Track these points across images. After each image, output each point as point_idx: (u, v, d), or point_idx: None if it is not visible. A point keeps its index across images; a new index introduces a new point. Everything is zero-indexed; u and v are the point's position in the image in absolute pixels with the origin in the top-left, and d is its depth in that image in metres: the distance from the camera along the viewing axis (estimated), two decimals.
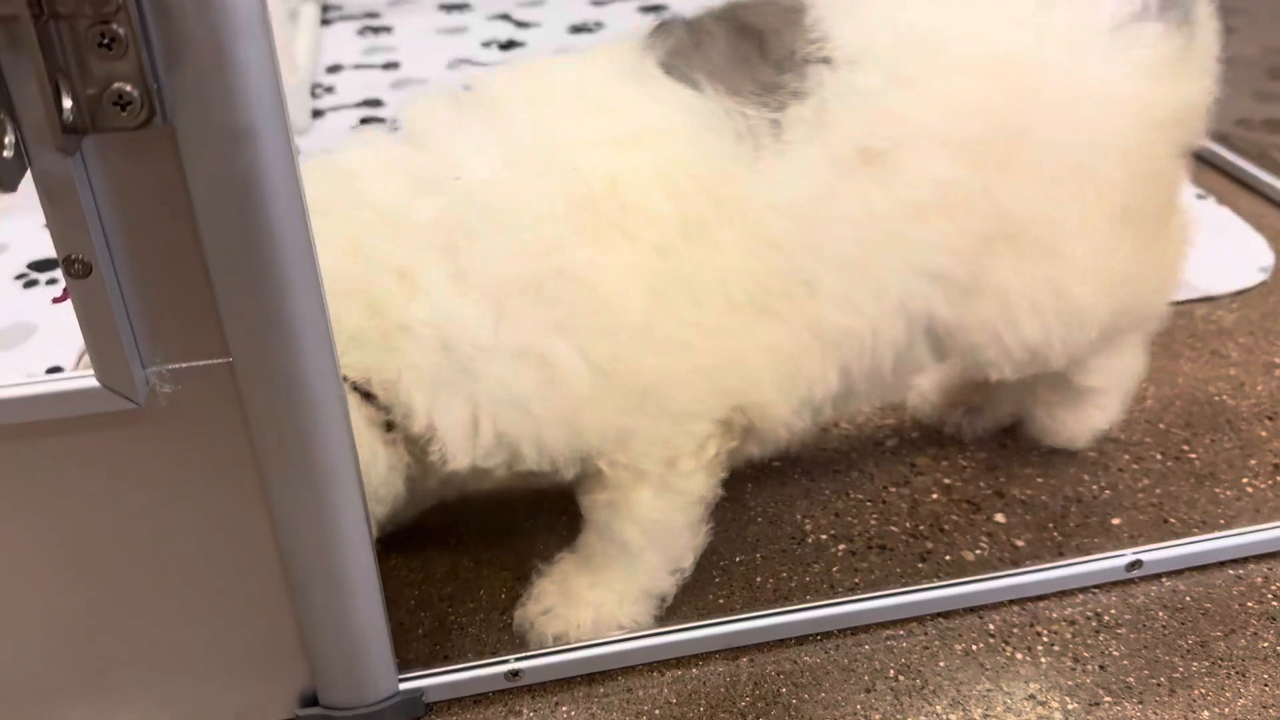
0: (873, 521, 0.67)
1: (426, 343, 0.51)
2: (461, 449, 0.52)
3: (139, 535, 0.48)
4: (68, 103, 0.37)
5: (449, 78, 1.39)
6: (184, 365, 0.44)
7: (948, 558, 0.64)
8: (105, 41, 0.36)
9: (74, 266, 0.40)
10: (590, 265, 0.51)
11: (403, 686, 0.55)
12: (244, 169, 0.40)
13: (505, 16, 1.58)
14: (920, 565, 0.64)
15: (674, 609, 0.61)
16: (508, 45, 1.48)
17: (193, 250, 0.42)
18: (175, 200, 0.40)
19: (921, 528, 0.67)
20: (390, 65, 1.43)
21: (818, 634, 0.59)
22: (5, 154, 0.36)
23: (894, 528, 0.67)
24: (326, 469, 0.47)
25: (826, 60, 0.52)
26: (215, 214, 0.41)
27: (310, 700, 0.55)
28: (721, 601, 0.62)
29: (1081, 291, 0.57)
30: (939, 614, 0.61)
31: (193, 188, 0.40)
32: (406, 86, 1.36)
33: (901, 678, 0.57)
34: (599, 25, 1.53)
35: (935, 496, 0.69)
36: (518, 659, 0.57)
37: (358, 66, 1.43)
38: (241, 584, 0.51)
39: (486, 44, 1.49)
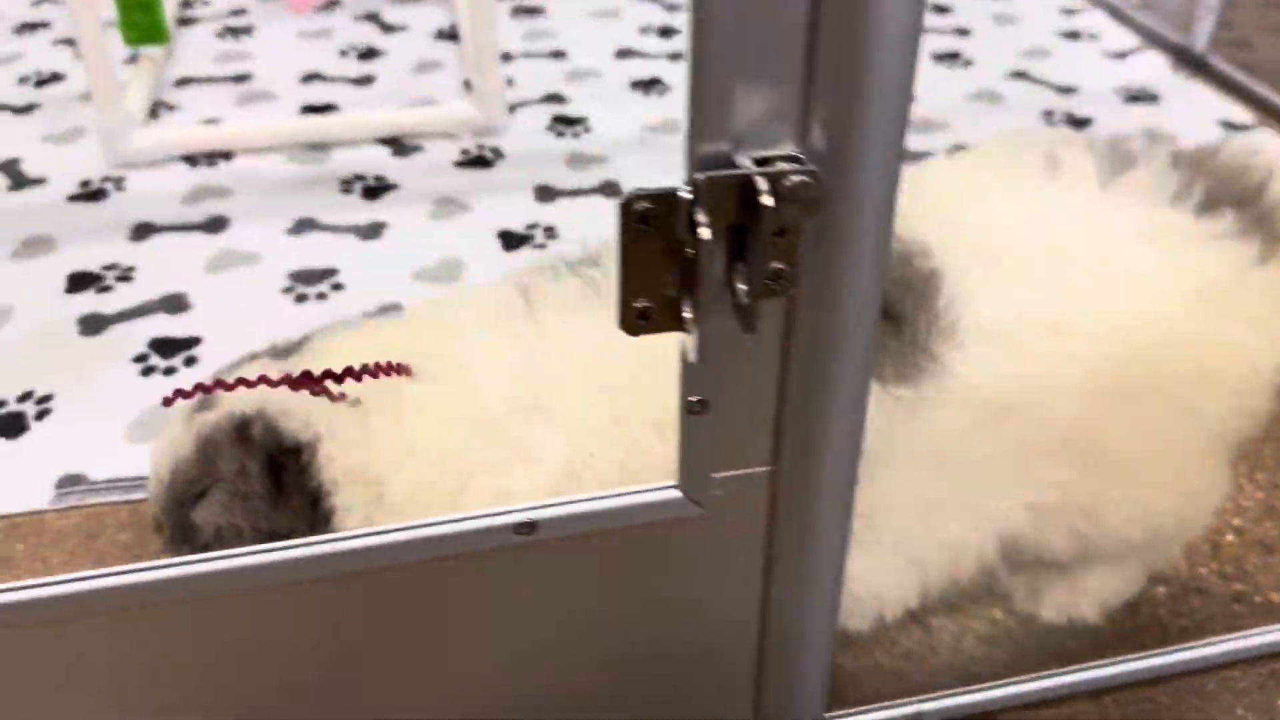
0: (1184, 565, 0.73)
1: None
2: None
3: (654, 609, 0.54)
4: (742, 286, 0.41)
5: (617, 69, 1.41)
6: (738, 473, 0.49)
7: (1257, 599, 0.71)
8: (778, 233, 0.40)
9: (694, 405, 0.45)
10: None
11: None
12: (839, 325, 0.44)
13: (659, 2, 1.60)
14: (1235, 606, 0.70)
15: (1042, 661, 0.67)
16: (665, 32, 1.50)
17: (772, 384, 0.46)
18: (772, 347, 0.45)
19: (1227, 569, 0.73)
20: (557, 54, 1.45)
21: (1168, 675, 0.66)
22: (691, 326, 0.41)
23: (1203, 569, 0.73)
24: (824, 551, 0.52)
25: (960, 346, 0.56)
26: (804, 360, 0.45)
27: None
28: (1072, 645, 0.68)
29: (1164, 506, 0.61)
30: (1271, 655, 0.67)
31: (795, 341, 0.44)
32: (582, 79, 1.38)
33: (1250, 715, 0.64)
34: None
35: (1230, 538, 0.75)
36: (921, 700, 0.63)
37: (526, 55, 1.45)
38: (718, 644, 0.56)
39: (644, 30, 1.51)
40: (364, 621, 0.51)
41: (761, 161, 0.39)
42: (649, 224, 0.39)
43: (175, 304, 0.98)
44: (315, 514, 0.58)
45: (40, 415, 0.86)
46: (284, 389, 0.58)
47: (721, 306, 0.41)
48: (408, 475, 0.57)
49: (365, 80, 1.37)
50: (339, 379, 0.58)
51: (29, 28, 1.53)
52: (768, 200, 0.38)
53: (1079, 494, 0.58)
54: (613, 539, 0.49)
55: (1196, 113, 1.30)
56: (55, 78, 1.38)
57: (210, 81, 1.37)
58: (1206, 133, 1.25)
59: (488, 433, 0.57)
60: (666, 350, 0.45)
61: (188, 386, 0.59)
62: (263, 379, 0.58)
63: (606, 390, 0.57)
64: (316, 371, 0.58)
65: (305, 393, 0.58)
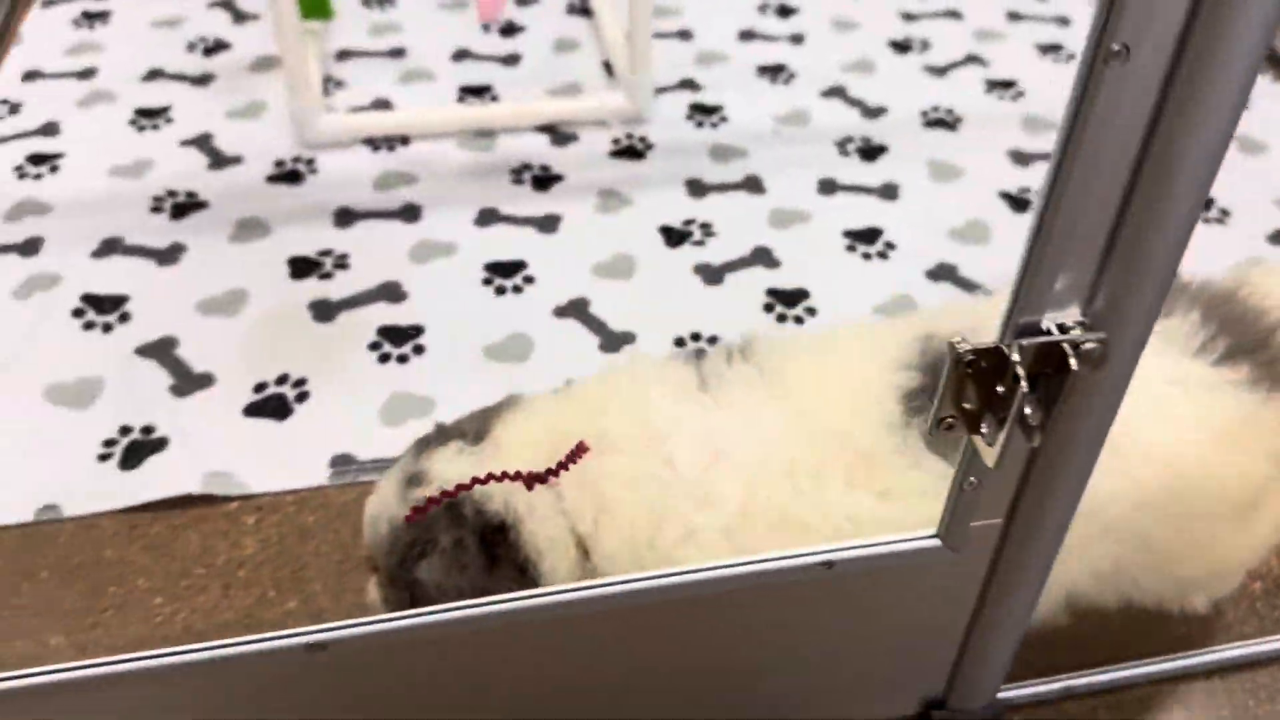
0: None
1: None
2: None
3: (887, 616, 0.69)
4: (1030, 410, 0.54)
5: (743, 52, 1.51)
6: (982, 524, 0.63)
7: None
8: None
9: (970, 484, 0.59)
10: None
11: (999, 695, 0.77)
12: (1079, 434, 0.57)
13: None
14: None
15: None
16: (783, 11, 1.59)
17: (1022, 465, 0.60)
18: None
19: None
20: (684, 34, 1.54)
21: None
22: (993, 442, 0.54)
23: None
24: (1033, 575, 0.67)
25: None
26: (1051, 453, 0.59)
27: (935, 704, 0.77)
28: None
29: (1187, 573, 0.75)
30: None
31: (1047, 441, 0.58)
32: (711, 63, 1.48)
33: None
34: None
35: None
36: (1069, 677, 0.79)
37: (656, 35, 1.54)
38: (931, 640, 0.71)
39: (763, 8, 1.60)
40: (687, 637, 0.66)
41: (1061, 327, 0.52)
42: (970, 366, 0.53)
43: (393, 293, 1.11)
44: (525, 579, 0.71)
45: (300, 398, 1.00)
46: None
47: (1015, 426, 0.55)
48: (605, 534, 0.70)
49: (512, 60, 1.47)
50: (529, 484, 0.71)
51: None
52: (1074, 364, 0.51)
53: (1129, 566, 0.73)
54: (880, 573, 0.64)
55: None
56: (221, 45, 1.48)
57: (368, 56, 1.47)
58: None
59: (673, 486, 0.69)
60: (815, 423, 0.65)
61: (425, 495, 0.72)
62: (475, 480, 0.71)
63: (773, 449, 0.70)
64: (507, 462, 0.72)
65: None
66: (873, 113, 1.39)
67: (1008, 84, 1.45)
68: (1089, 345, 0.51)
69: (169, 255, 1.14)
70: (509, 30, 1.53)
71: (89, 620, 0.83)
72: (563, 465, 0.71)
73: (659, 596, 0.62)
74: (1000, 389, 0.53)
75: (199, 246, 1.15)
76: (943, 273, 1.15)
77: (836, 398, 0.71)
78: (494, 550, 0.71)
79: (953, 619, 0.70)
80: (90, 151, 1.29)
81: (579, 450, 0.72)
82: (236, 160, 1.28)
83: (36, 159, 1.27)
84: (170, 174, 1.25)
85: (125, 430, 0.96)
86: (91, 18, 1.54)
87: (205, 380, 1.00)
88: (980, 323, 0.71)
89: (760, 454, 0.70)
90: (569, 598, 0.61)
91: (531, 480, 0.71)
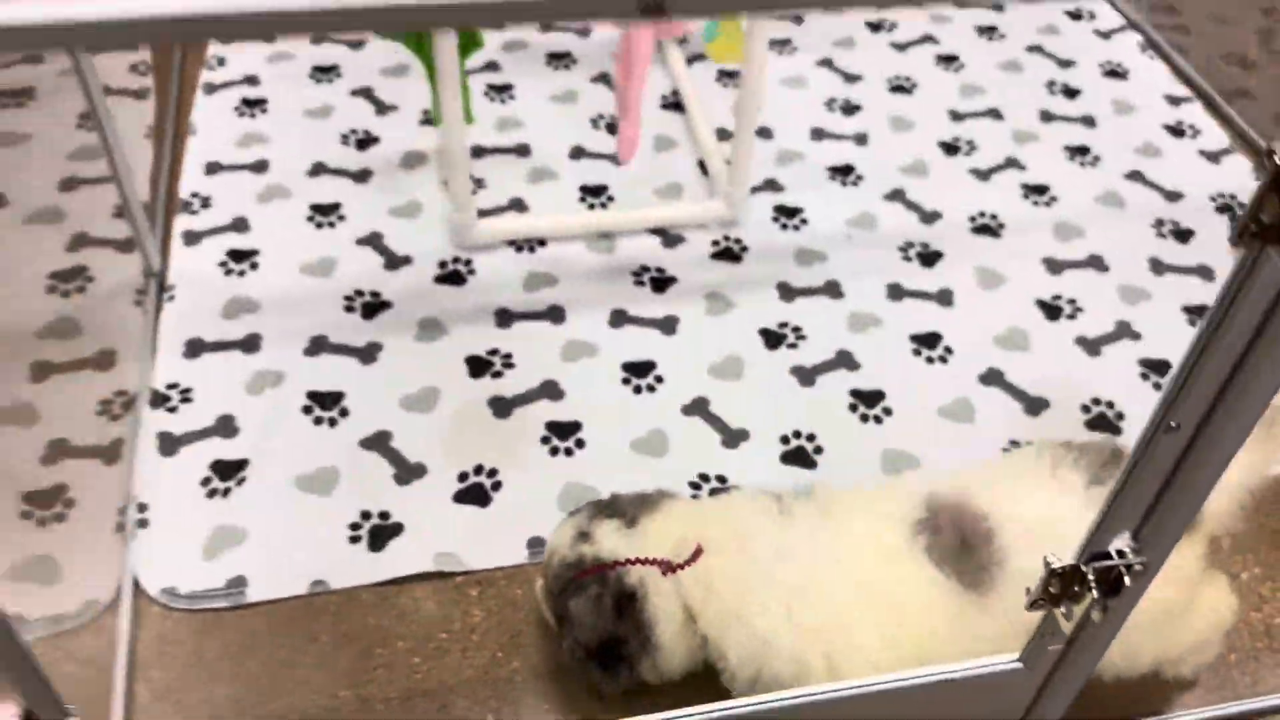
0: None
1: None
2: None
3: (963, 704, 0.96)
4: (1096, 596, 0.80)
5: (815, 151, 1.74)
6: (1051, 648, 0.90)
7: None
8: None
9: (1054, 640, 0.86)
10: None
11: None
12: (1125, 598, 0.85)
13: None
14: None
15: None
16: (848, 110, 1.82)
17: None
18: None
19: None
20: (764, 132, 1.77)
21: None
22: None
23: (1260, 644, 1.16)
24: (1089, 662, 0.94)
25: (1001, 566, 0.95)
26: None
27: None
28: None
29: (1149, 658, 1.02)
30: None
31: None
32: (789, 162, 1.72)
33: None
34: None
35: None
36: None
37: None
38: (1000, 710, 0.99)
39: (830, 104, 1.83)
40: None
41: (1119, 553, 0.78)
42: (1056, 573, 0.79)
43: (553, 390, 1.36)
44: (640, 634, 1.01)
45: (495, 487, 1.26)
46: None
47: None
48: (709, 609, 0.99)
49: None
50: (664, 571, 0.99)
51: (322, 71, 1.83)
52: (1128, 582, 0.77)
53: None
54: (961, 685, 0.91)
55: None
56: (371, 139, 1.71)
57: (499, 154, 1.70)
58: None
59: (761, 577, 0.99)
60: (848, 558, 0.88)
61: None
62: (627, 561, 1.00)
63: (819, 566, 0.99)
64: (648, 548, 1.01)
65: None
66: (929, 217, 1.64)
67: (1041, 189, 1.70)
68: (1137, 567, 0.78)
69: (368, 354, 1.39)
70: (614, 128, 1.76)
71: (365, 676, 1.10)
72: (688, 563, 1.00)
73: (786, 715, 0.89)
74: (1076, 588, 0.79)
75: (391, 346, 1.40)
76: (992, 378, 1.41)
77: (863, 545, 1.00)
78: (622, 609, 1.01)
79: (1018, 697, 0.98)
80: (280, 248, 1.52)
81: (697, 553, 1.01)
82: (407, 260, 1.52)
83: (236, 255, 1.51)
84: (353, 274, 1.49)
85: (366, 515, 1.22)
86: (251, 105, 1.76)
87: (420, 470, 1.26)
88: (987, 481, 1.00)
89: (810, 565, 0.99)
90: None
91: (665, 569, 0.99)
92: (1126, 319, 1.49)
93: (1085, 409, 1.38)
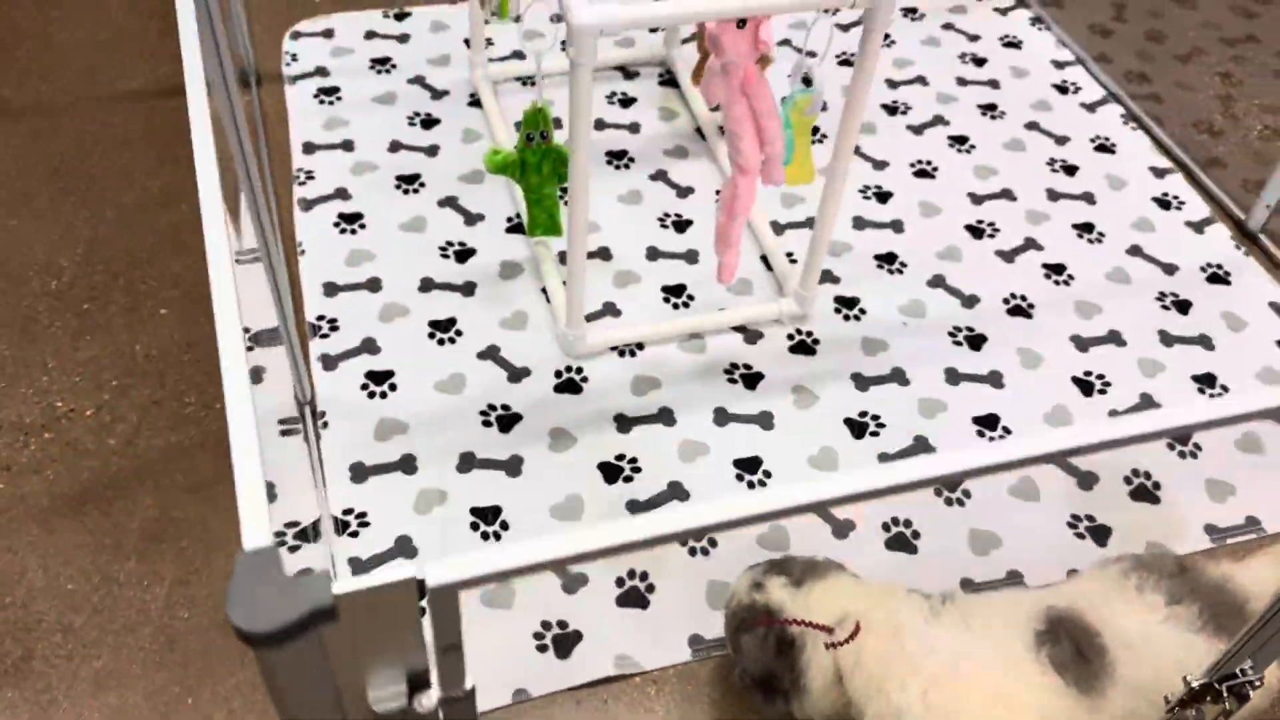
0: None
1: None
2: None
3: None
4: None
5: (860, 241, 1.92)
6: None
7: None
8: None
9: None
10: None
11: None
12: None
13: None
14: None
15: None
16: (882, 196, 2.00)
17: None
18: None
19: None
20: (811, 222, 1.95)
21: None
22: None
23: None
24: None
25: (1111, 676, 1.16)
26: None
27: None
28: None
29: None
30: None
31: None
32: (840, 252, 1.89)
33: None
34: None
35: None
36: None
37: (790, 225, 1.94)
38: None
39: (863, 192, 2.00)
40: None
41: (1243, 671, 0.98)
42: (1189, 692, 0.99)
43: (679, 491, 1.53)
44: (794, 677, 1.21)
45: (649, 589, 1.43)
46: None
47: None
48: (857, 677, 1.18)
49: (692, 256, 1.86)
50: (828, 646, 1.18)
51: (406, 181, 1.95)
52: (1252, 695, 0.98)
53: None
54: None
55: (1256, 296, 1.88)
56: (468, 250, 1.84)
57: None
58: (1262, 316, 1.84)
59: (906, 663, 1.18)
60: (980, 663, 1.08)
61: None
62: (795, 621, 1.19)
63: (969, 655, 1.18)
64: (810, 611, 1.21)
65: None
66: (969, 301, 1.84)
67: (1059, 269, 1.90)
68: (1256, 682, 0.99)
69: (513, 467, 1.54)
70: (681, 225, 1.91)
71: None
72: (848, 640, 1.19)
73: None
74: (1208, 699, 1.00)
75: (531, 457, 1.56)
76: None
77: (994, 649, 1.19)
78: (783, 652, 1.21)
79: None
80: (412, 368, 1.66)
81: (856, 630, 1.19)
82: (526, 372, 1.67)
83: (374, 377, 1.64)
84: (482, 388, 1.64)
85: (546, 624, 1.38)
86: (349, 220, 1.88)
87: (583, 579, 1.43)
88: (1092, 599, 1.20)
89: (949, 661, 1.18)
90: None
91: (829, 644, 1.18)
92: (1148, 390, 1.72)
93: (1128, 480, 1.59)
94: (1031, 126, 2.19)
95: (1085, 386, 1.72)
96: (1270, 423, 1.69)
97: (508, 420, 1.60)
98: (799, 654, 1.21)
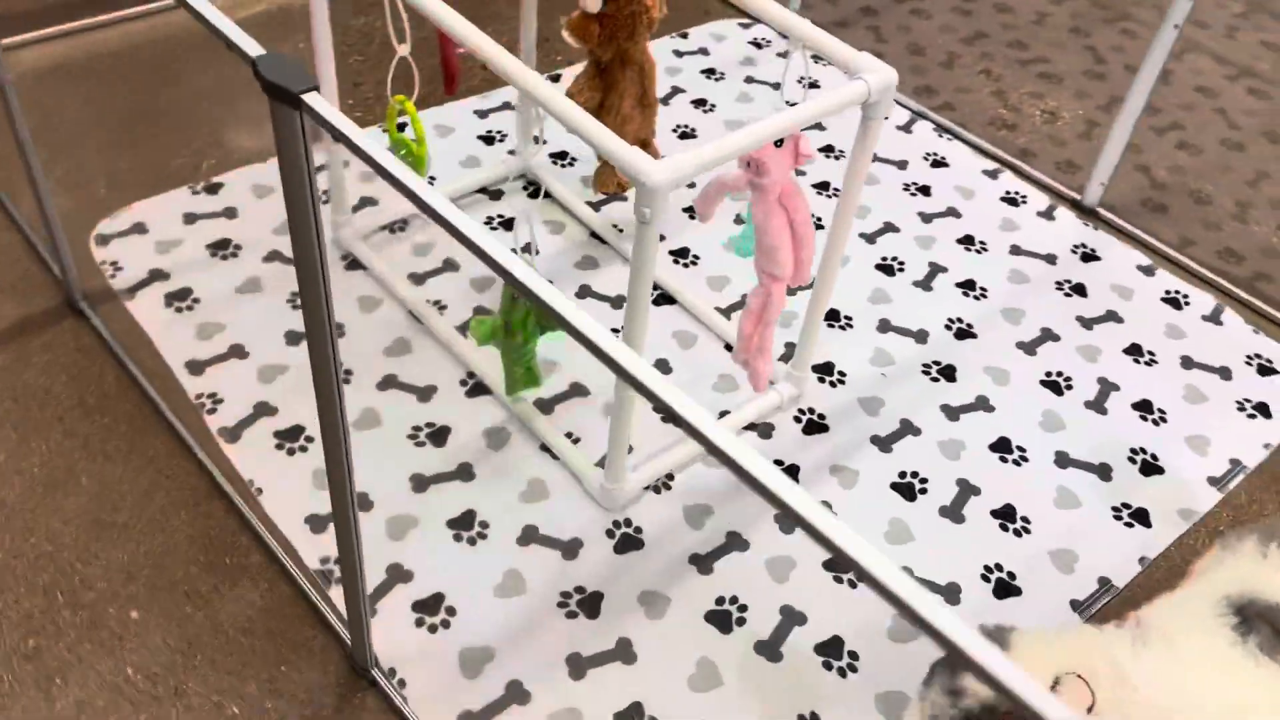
0: None
1: None
2: None
3: None
4: None
5: (864, 312, 1.92)
6: None
7: None
8: None
9: None
10: None
11: None
12: None
13: None
14: None
15: None
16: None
17: None
18: None
19: None
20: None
21: None
22: None
23: None
24: None
25: None
26: None
27: None
28: None
29: None
30: None
31: None
32: (830, 324, 1.88)
33: None
34: None
35: None
36: None
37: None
38: None
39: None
40: None
41: None
42: None
43: (792, 614, 1.45)
44: None
45: (813, 715, 1.34)
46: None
47: None
48: None
49: (663, 367, 1.77)
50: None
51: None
52: None
53: None
54: None
55: (1124, 263, 2.09)
56: (439, 430, 1.64)
57: (565, 400, 1.70)
58: (1138, 279, 2.05)
59: (1139, 695, 1.20)
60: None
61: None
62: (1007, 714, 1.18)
63: (1187, 675, 1.23)
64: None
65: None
66: (920, 336, 1.89)
67: (970, 284, 2.01)
68: None
69: (627, 653, 1.39)
70: (687, 341, 1.81)
71: None
72: (1090, 709, 1.18)
73: None
74: None
75: (637, 636, 1.41)
76: (1061, 459, 1.70)
77: (1204, 660, 1.24)
78: None
79: None
80: (459, 584, 1.44)
81: (1092, 703, 1.19)
82: (579, 544, 1.50)
83: (425, 607, 1.41)
84: (545, 579, 1.46)
85: None
86: (290, 437, 1.60)
87: None
88: (1253, 577, 1.28)
89: (1178, 688, 1.22)
90: None
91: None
92: (1101, 374, 1.85)
93: (1132, 460, 1.71)
94: (872, 159, 2.29)
95: (1054, 387, 1.83)
96: (1205, 373, 1.89)
97: (591, 603, 1.44)
98: None
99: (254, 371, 1.69)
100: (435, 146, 2.14)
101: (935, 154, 2.31)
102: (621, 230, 2.00)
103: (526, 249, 1.80)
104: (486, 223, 2.00)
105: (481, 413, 1.67)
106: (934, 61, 2.63)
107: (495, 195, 2.07)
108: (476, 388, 1.70)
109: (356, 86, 2.22)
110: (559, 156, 2.17)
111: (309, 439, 1.60)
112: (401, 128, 1.59)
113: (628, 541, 1.52)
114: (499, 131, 2.19)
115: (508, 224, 2.00)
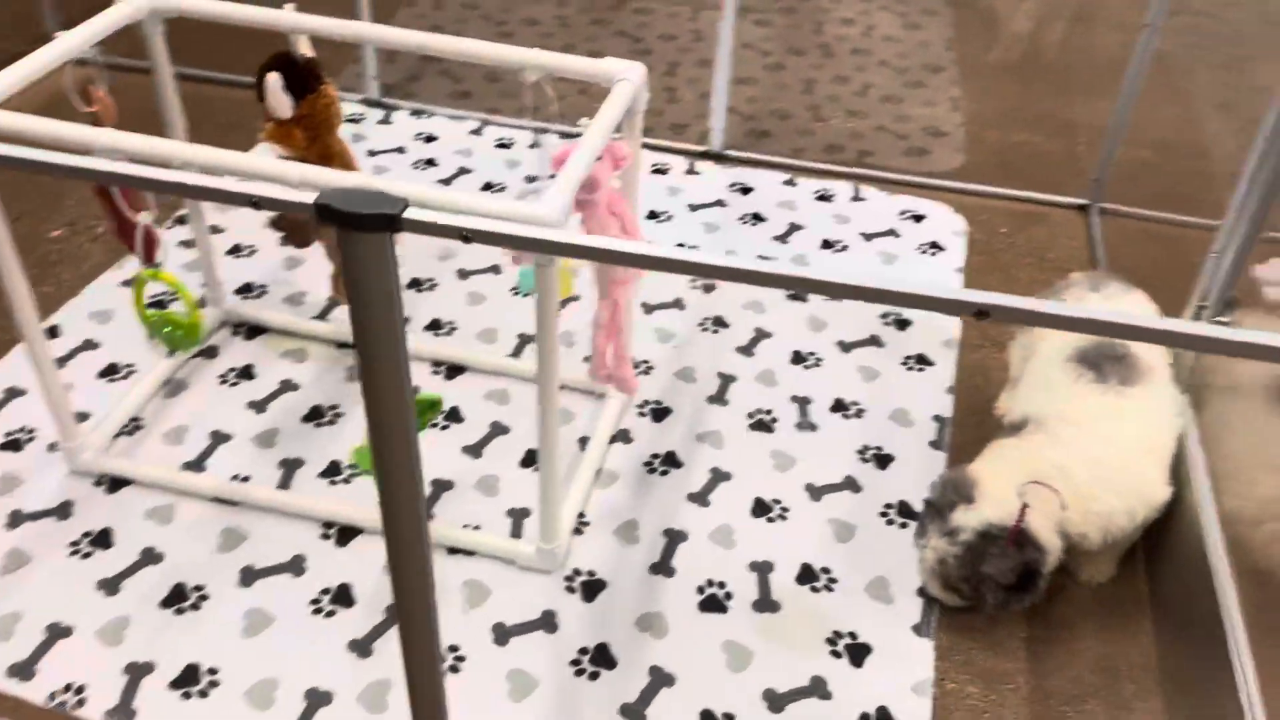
0: None
1: None
2: None
3: None
4: None
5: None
6: None
7: None
8: None
9: None
10: None
11: None
12: None
13: None
14: None
15: None
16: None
17: None
18: None
19: None
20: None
21: None
22: None
23: None
24: None
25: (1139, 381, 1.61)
26: None
27: None
28: None
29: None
30: None
31: None
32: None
33: None
34: None
35: None
36: None
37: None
38: None
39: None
40: None
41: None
42: None
43: (765, 565, 1.52)
44: (1039, 551, 1.39)
45: None
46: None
47: None
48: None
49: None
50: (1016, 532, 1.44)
51: (176, 597, 1.46)
52: None
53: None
54: None
55: (768, 184, 2.38)
56: (343, 592, 1.47)
57: None
58: (784, 192, 2.36)
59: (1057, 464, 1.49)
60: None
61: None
62: (1019, 522, 1.41)
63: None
64: (993, 497, 1.41)
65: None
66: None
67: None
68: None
69: (661, 677, 1.37)
70: (477, 450, 1.75)
71: None
72: (1020, 520, 1.42)
73: None
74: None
75: (663, 659, 1.40)
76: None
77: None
78: (1022, 543, 1.37)
79: None
80: (491, 708, 1.33)
81: (1017, 525, 1.43)
82: (551, 614, 1.45)
83: None
84: (548, 659, 1.39)
85: None
86: (185, 683, 1.36)
87: None
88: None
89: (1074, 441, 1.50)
90: None
91: (1016, 532, 1.41)
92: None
93: (885, 322, 1.99)
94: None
95: (794, 293, 2.06)
96: (883, 239, 2.23)
97: (602, 655, 1.40)
98: (1032, 535, 1.36)
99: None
100: (109, 329, 1.87)
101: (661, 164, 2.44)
102: None
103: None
104: (224, 379, 1.80)
105: (365, 555, 1.53)
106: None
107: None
108: (343, 533, 1.55)
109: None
110: (244, 289, 2.00)
111: (214, 684, 1.37)
112: (159, 304, 1.41)
113: (591, 587, 1.50)
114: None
115: (247, 373, 1.82)
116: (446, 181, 2.34)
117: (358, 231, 0.71)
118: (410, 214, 0.71)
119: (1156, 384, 1.48)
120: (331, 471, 1.65)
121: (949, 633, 1.46)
